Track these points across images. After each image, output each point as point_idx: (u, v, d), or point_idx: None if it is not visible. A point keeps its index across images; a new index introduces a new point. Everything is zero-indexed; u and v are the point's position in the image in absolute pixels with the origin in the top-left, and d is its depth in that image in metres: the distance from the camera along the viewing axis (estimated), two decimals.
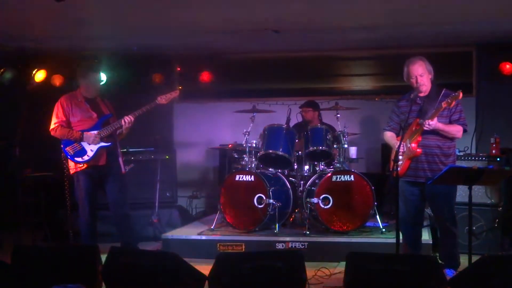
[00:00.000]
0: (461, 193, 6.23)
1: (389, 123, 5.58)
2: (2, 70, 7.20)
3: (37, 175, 7.37)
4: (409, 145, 5.23)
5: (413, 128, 5.25)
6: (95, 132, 6.02)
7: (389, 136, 5.55)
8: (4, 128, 7.87)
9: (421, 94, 5.32)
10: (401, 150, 5.15)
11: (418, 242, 5.55)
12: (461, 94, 5.05)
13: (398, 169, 5.10)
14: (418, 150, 5.19)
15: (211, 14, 6.24)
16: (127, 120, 6.05)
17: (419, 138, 5.21)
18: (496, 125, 7.33)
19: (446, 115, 5.26)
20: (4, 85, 7.34)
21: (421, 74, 5.27)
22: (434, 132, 5.23)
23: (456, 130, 5.27)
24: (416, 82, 5.27)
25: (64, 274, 4.46)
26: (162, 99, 6.21)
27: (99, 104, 6.24)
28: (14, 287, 4.52)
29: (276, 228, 6.50)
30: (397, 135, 5.47)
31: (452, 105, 5.11)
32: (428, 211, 6.32)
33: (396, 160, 4.92)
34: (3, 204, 7.72)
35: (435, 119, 5.12)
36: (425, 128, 5.12)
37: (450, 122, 5.28)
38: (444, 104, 5.07)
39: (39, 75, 7.69)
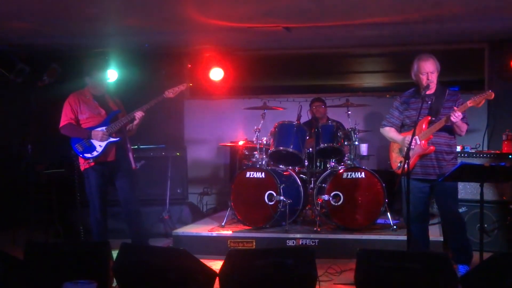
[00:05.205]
0: (473, 190, 6.21)
1: (390, 119, 5.55)
2: (19, 67, 7.23)
3: (49, 172, 7.41)
4: (418, 143, 5.23)
5: (423, 126, 5.24)
6: (103, 129, 6.04)
7: (393, 132, 5.53)
8: (17, 126, 7.92)
9: (428, 92, 5.31)
10: (411, 147, 5.15)
11: (426, 239, 5.55)
12: (493, 94, 5.08)
13: (407, 166, 5.08)
14: (431, 147, 5.21)
15: (222, 11, 6.24)
16: (139, 115, 6.07)
17: (431, 136, 5.22)
18: (508, 122, 7.27)
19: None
20: (16, 82, 7.38)
21: (432, 72, 5.27)
22: (444, 129, 5.25)
23: (464, 127, 5.30)
24: (428, 79, 5.25)
25: (76, 270, 4.48)
26: (169, 93, 6.21)
27: (107, 101, 6.26)
28: (26, 283, 4.55)
29: (286, 225, 6.50)
30: (399, 132, 5.48)
31: (481, 104, 5.12)
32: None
33: (408, 157, 4.91)
34: (15, 200, 7.77)
35: (459, 113, 5.11)
36: (452, 120, 5.09)
37: None
38: (469, 103, 5.08)
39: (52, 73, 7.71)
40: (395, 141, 5.49)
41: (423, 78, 5.27)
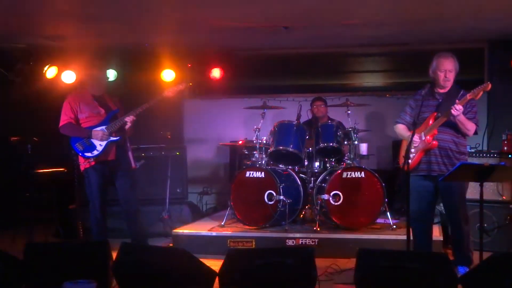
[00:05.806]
0: (473, 190, 6.20)
1: (403, 116, 5.56)
2: (18, 67, 7.25)
3: (49, 171, 7.41)
4: (423, 138, 5.23)
5: (430, 122, 5.26)
6: (103, 128, 6.05)
7: (402, 129, 5.55)
8: (17, 125, 7.92)
9: (441, 90, 5.32)
10: (414, 143, 5.15)
11: (429, 239, 5.53)
12: (489, 85, 5.06)
13: (410, 161, 5.08)
14: (434, 142, 5.22)
15: (223, 10, 6.24)
16: (129, 119, 6.07)
17: (435, 132, 5.24)
18: (508, 121, 7.28)
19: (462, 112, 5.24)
20: (16, 82, 7.40)
21: (450, 70, 5.29)
22: (450, 126, 5.24)
23: (471, 126, 5.27)
24: (445, 76, 5.26)
25: (75, 270, 4.48)
26: (168, 92, 6.23)
27: (106, 100, 6.29)
28: (26, 282, 4.56)
29: (286, 224, 6.50)
30: (410, 129, 5.47)
31: (478, 96, 5.11)
32: (439, 207, 6.29)
33: (407, 156, 4.91)
34: (15, 200, 7.77)
35: (460, 106, 5.10)
36: (452, 112, 5.09)
37: None
38: (469, 96, 5.09)
39: (51, 72, 7.72)
40: (404, 138, 5.49)
41: (441, 75, 5.28)
